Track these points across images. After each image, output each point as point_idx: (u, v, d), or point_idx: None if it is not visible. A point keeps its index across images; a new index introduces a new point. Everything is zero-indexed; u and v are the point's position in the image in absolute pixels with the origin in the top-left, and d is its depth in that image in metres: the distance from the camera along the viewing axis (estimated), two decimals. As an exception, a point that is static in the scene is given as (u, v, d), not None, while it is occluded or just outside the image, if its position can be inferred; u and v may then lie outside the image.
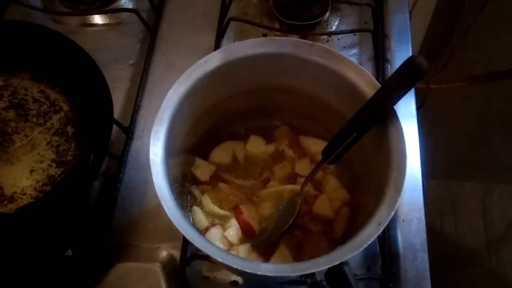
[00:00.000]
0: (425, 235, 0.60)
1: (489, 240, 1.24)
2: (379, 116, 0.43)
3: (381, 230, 0.39)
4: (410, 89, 0.39)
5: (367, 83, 0.45)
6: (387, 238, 0.59)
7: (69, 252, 0.58)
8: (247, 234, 0.54)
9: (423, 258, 0.59)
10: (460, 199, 1.38)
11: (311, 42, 0.46)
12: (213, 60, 0.46)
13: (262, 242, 0.53)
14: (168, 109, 0.44)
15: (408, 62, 0.38)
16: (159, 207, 0.62)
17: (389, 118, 0.43)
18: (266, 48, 0.47)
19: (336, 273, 0.38)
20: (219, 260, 0.37)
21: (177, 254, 0.58)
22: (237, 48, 0.47)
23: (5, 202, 0.54)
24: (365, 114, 0.43)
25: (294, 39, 0.46)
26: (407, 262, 0.59)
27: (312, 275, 0.41)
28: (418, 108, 0.70)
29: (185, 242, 0.57)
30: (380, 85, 0.44)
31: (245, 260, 0.40)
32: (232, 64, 0.47)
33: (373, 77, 0.45)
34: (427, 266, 0.58)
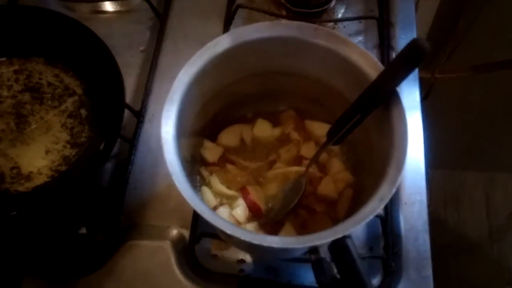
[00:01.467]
0: (426, 217, 0.62)
1: (492, 229, 1.25)
2: (382, 98, 0.44)
3: (382, 206, 0.40)
4: (412, 71, 0.40)
5: (371, 66, 0.47)
6: (389, 220, 0.61)
7: (83, 230, 0.60)
8: (254, 213, 0.56)
9: (425, 239, 0.61)
10: (463, 189, 1.39)
11: (316, 25, 0.48)
12: (222, 43, 0.48)
13: (268, 221, 0.55)
14: (178, 90, 0.46)
15: (411, 44, 0.39)
16: (169, 188, 0.65)
17: (392, 100, 0.44)
18: (272, 32, 0.48)
19: (339, 246, 0.40)
20: (228, 232, 0.39)
21: (186, 233, 0.61)
22: (245, 31, 0.48)
23: (22, 181, 0.57)
24: (369, 96, 0.44)
25: (299, 22, 0.48)
26: (409, 242, 0.60)
27: (316, 251, 0.43)
28: (424, 99, 0.71)
29: (195, 221, 0.59)
30: (383, 68, 0.45)
31: (252, 232, 0.42)
32: (240, 47, 0.48)
33: (377, 60, 0.46)
34: (428, 247, 0.60)
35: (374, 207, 0.41)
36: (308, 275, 0.59)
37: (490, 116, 1.21)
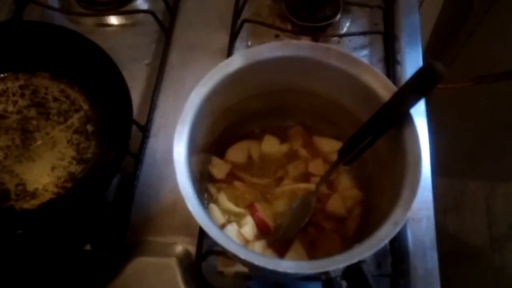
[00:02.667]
0: (434, 233, 0.62)
1: (492, 238, 1.25)
2: (395, 119, 0.44)
3: (397, 230, 0.40)
4: (427, 94, 0.40)
5: (383, 87, 0.46)
6: (397, 236, 0.60)
7: (88, 247, 0.59)
8: (262, 231, 0.56)
9: (432, 255, 0.60)
10: (464, 197, 1.39)
11: (328, 46, 0.48)
12: (233, 63, 0.48)
13: (277, 239, 0.55)
14: (190, 111, 0.45)
15: (426, 68, 0.39)
16: (174, 203, 0.64)
17: (405, 121, 0.44)
18: (284, 52, 0.48)
19: (354, 271, 0.39)
20: (242, 257, 0.38)
21: (192, 249, 0.60)
22: (257, 51, 0.48)
23: (28, 198, 0.56)
24: (382, 117, 0.44)
25: (311, 43, 0.48)
26: (416, 259, 0.60)
27: (327, 272, 0.43)
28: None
29: (201, 238, 0.59)
30: (396, 89, 0.45)
31: (265, 257, 0.41)
32: (252, 66, 0.48)
33: (389, 81, 0.46)
34: (436, 264, 0.60)
35: (389, 231, 0.40)
36: (317, 292, 0.58)
37: (492, 125, 1.21)
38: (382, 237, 0.40)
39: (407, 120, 0.44)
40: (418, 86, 0.40)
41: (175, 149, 0.43)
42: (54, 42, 0.62)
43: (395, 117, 0.44)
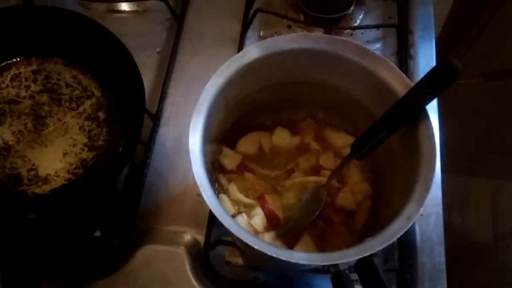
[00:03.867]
0: (442, 229, 0.62)
1: (496, 236, 1.25)
2: (410, 115, 0.44)
3: (410, 225, 0.40)
4: (443, 90, 0.40)
5: (399, 82, 0.46)
6: (405, 232, 0.61)
7: (98, 233, 0.60)
8: (272, 222, 0.56)
9: (440, 251, 0.61)
10: (469, 194, 1.39)
11: (344, 39, 0.48)
12: (250, 54, 0.47)
13: (287, 231, 0.55)
14: (206, 101, 0.45)
15: (443, 64, 0.39)
16: (184, 192, 0.64)
17: (420, 117, 0.44)
18: (300, 44, 0.48)
19: (366, 264, 0.40)
20: (255, 247, 0.39)
21: (201, 238, 0.61)
22: (273, 42, 0.48)
23: (40, 183, 0.56)
24: (397, 112, 0.44)
25: (328, 35, 0.48)
26: (424, 255, 0.60)
27: (336, 264, 0.43)
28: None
29: (210, 228, 0.59)
30: (412, 85, 0.45)
31: (278, 248, 0.42)
32: (268, 58, 0.48)
33: (405, 76, 0.46)
34: (443, 259, 0.60)
35: (402, 225, 0.41)
36: (323, 285, 0.59)
37: (499, 123, 1.21)
38: (394, 231, 0.40)
39: (422, 116, 0.44)
40: (435, 82, 0.40)
41: (191, 139, 0.43)
42: (67, 27, 0.61)
43: (410, 113, 0.44)
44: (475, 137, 1.29)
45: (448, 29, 1.25)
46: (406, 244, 0.60)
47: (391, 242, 0.40)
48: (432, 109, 0.68)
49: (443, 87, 0.40)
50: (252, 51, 0.47)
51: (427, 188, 0.41)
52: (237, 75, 0.47)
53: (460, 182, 1.38)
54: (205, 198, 0.40)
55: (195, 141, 0.43)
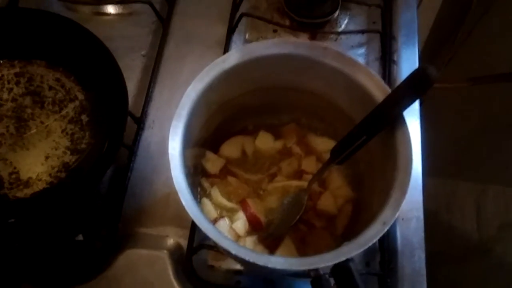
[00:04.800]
0: (423, 234, 0.63)
1: (481, 239, 1.26)
2: (388, 121, 0.45)
3: (386, 230, 0.41)
4: (419, 97, 0.41)
5: (377, 88, 0.47)
6: (386, 236, 0.61)
7: (80, 237, 0.60)
8: (254, 226, 0.56)
9: (420, 256, 0.61)
10: (454, 198, 1.40)
11: (325, 45, 0.48)
12: (230, 59, 0.48)
13: (268, 236, 0.55)
14: (186, 106, 0.46)
15: (419, 72, 0.39)
16: (168, 196, 0.64)
17: (397, 123, 0.45)
18: (281, 49, 0.49)
19: (342, 269, 0.40)
20: (233, 252, 0.39)
21: (184, 242, 0.61)
22: (254, 48, 0.48)
23: (21, 187, 0.56)
24: (375, 118, 0.45)
25: (309, 42, 0.48)
26: (404, 259, 0.61)
27: (316, 268, 0.43)
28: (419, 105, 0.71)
29: (193, 232, 0.59)
30: (390, 91, 0.46)
31: (256, 253, 0.42)
32: (248, 63, 0.48)
33: (383, 82, 0.47)
34: (423, 264, 0.61)
35: (378, 230, 0.41)
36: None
37: (485, 127, 1.22)
38: (370, 236, 0.41)
39: (400, 122, 0.45)
40: (411, 89, 0.40)
41: (170, 143, 0.44)
42: (51, 30, 0.61)
43: (387, 118, 0.44)
44: (460, 141, 1.30)
45: (434, 34, 1.26)
46: (387, 248, 0.61)
47: (367, 247, 0.40)
48: (414, 113, 0.69)
49: (419, 93, 0.41)
50: (233, 56, 0.48)
51: (403, 193, 0.42)
52: (218, 80, 0.48)
53: (446, 185, 1.39)
54: (183, 203, 0.40)
55: (175, 145, 0.44)
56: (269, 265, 0.39)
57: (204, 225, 0.40)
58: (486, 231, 1.26)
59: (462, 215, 1.34)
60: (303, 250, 0.55)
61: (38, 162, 0.58)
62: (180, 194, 0.41)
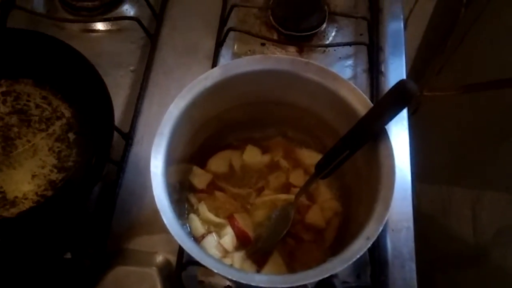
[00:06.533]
0: (413, 244, 0.62)
1: (478, 246, 1.25)
2: (370, 135, 0.45)
3: (369, 245, 0.41)
4: (400, 111, 0.41)
5: (359, 102, 0.47)
6: (376, 247, 0.61)
7: (68, 255, 0.59)
8: (242, 241, 0.56)
9: (411, 266, 0.61)
10: (450, 204, 1.39)
11: (306, 60, 0.48)
12: (212, 76, 0.48)
13: (257, 250, 0.55)
14: (168, 123, 0.46)
15: (398, 86, 0.39)
16: (156, 212, 0.63)
17: (380, 137, 0.45)
18: (263, 65, 0.49)
19: (326, 285, 0.40)
20: (215, 271, 0.39)
21: (173, 258, 0.60)
22: (236, 64, 0.49)
23: (7, 206, 0.56)
24: (357, 132, 0.45)
25: (291, 57, 0.48)
26: (395, 270, 0.61)
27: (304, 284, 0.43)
28: (412, 113, 0.72)
29: (182, 248, 0.59)
30: (372, 105, 0.46)
31: (240, 271, 0.42)
32: (231, 79, 0.49)
33: (365, 96, 0.47)
34: (414, 275, 0.60)
35: (362, 246, 0.41)
36: (295, 302, 0.59)
37: (479, 134, 1.22)
38: (354, 252, 0.41)
39: (382, 135, 0.45)
40: (392, 103, 0.41)
41: (152, 162, 0.44)
42: (37, 49, 0.61)
43: (370, 132, 0.45)
44: (455, 148, 1.30)
45: (425, 43, 1.27)
46: (378, 260, 0.61)
47: (350, 262, 0.40)
48: (402, 123, 0.69)
49: (399, 108, 0.41)
50: (215, 73, 0.48)
51: (386, 208, 0.42)
52: (201, 97, 0.48)
53: (442, 192, 1.39)
54: (165, 222, 0.40)
55: (157, 164, 0.44)
56: (253, 284, 0.38)
57: (187, 244, 0.40)
58: (482, 237, 1.25)
59: (458, 221, 1.33)
60: (291, 264, 0.55)
61: (25, 181, 0.57)
62: (162, 214, 0.41)
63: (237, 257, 0.54)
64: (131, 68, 0.75)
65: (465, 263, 1.25)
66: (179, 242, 0.40)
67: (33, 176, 0.58)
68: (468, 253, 1.24)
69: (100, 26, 0.78)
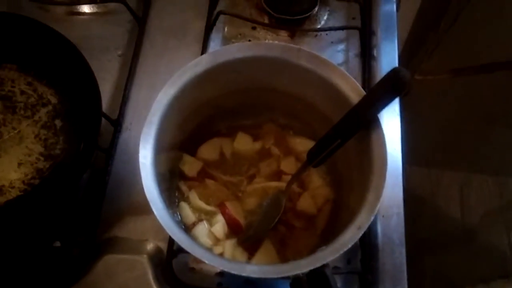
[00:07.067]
0: (403, 230, 0.63)
1: (465, 227, 1.28)
2: (363, 123, 0.44)
3: (361, 234, 0.41)
4: (393, 99, 0.40)
5: (352, 89, 0.46)
6: (367, 233, 0.61)
7: (57, 244, 0.59)
8: (234, 229, 0.56)
9: (401, 252, 0.61)
10: (439, 187, 1.41)
11: (298, 47, 0.47)
12: (202, 63, 0.47)
13: (248, 238, 0.55)
14: (158, 112, 0.45)
15: (391, 75, 0.39)
16: (146, 199, 0.63)
17: (373, 125, 0.44)
18: (254, 52, 0.48)
19: (318, 275, 0.40)
20: (206, 261, 0.39)
21: (164, 246, 0.60)
22: (226, 51, 0.47)
23: (-6, 195, 0.55)
24: (349, 121, 0.44)
25: (282, 43, 0.47)
26: (385, 255, 0.61)
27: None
28: (402, 96, 0.71)
29: (172, 236, 0.59)
30: (364, 93, 0.45)
31: (230, 262, 0.42)
32: (221, 66, 0.48)
33: (358, 84, 0.46)
34: (404, 260, 0.61)
35: (353, 235, 0.41)
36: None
37: (468, 117, 1.23)
38: (345, 241, 0.40)
39: (375, 124, 0.44)
40: (384, 92, 0.40)
41: (141, 152, 0.43)
42: (21, 33, 0.59)
43: (362, 121, 0.44)
44: (444, 131, 1.31)
45: (418, 25, 1.26)
46: (368, 246, 0.61)
47: (342, 252, 0.40)
48: (393, 108, 0.68)
49: (392, 96, 0.40)
50: (205, 60, 0.47)
51: (377, 197, 0.42)
52: (191, 84, 0.47)
53: (431, 175, 1.40)
54: (155, 213, 0.40)
55: (146, 154, 0.43)
56: (244, 274, 0.38)
57: (177, 235, 0.39)
58: (470, 219, 1.27)
59: (447, 203, 1.35)
60: (283, 251, 0.55)
61: (11, 169, 0.56)
62: (152, 205, 0.40)
63: (228, 245, 0.54)
64: (119, 52, 0.74)
65: (452, 244, 1.27)
66: (170, 233, 0.39)
67: (20, 164, 0.57)
68: (456, 235, 1.26)
69: (86, 8, 0.76)
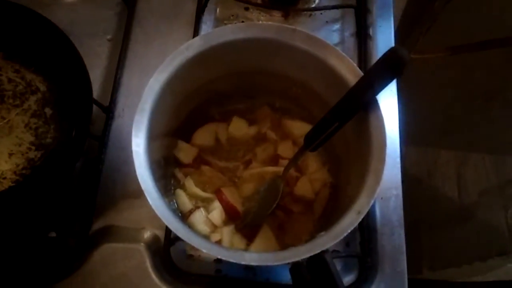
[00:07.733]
0: (402, 212, 0.62)
1: (462, 206, 1.28)
2: (361, 105, 0.43)
3: (360, 219, 0.40)
4: (391, 81, 0.39)
5: (349, 71, 0.45)
6: (366, 216, 0.60)
7: (53, 234, 0.58)
8: (231, 215, 0.55)
9: (400, 233, 0.61)
10: (436, 166, 1.41)
11: (293, 27, 0.46)
12: (194, 47, 0.45)
13: (246, 225, 0.54)
14: (149, 98, 0.43)
15: (389, 54, 0.37)
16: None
17: (371, 107, 0.43)
18: (248, 34, 0.46)
19: (317, 261, 0.39)
20: (204, 250, 0.38)
21: (161, 233, 0.59)
22: (219, 33, 0.46)
23: (-15, 187, 0.54)
24: (347, 103, 0.43)
25: (277, 24, 0.46)
26: (384, 237, 0.61)
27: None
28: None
29: (169, 223, 0.58)
30: (361, 73, 0.44)
31: (229, 250, 0.41)
32: (214, 49, 0.46)
33: (355, 65, 0.45)
34: (403, 241, 0.61)
35: (352, 220, 0.40)
36: (285, 273, 0.59)
37: (465, 96, 1.22)
38: (345, 226, 0.40)
39: (373, 106, 0.43)
40: (383, 72, 0.39)
41: (134, 140, 0.42)
42: (6, 19, 0.57)
43: (360, 103, 0.43)
44: (441, 111, 1.30)
45: (413, 2, 1.24)
46: (367, 228, 0.61)
47: (342, 237, 0.39)
48: (391, 88, 0.67)
49: (390, 78, 0.39)
50: (196, 43, 0.45)
51: (377, 181, 0.41)
52: (182, 68, 0.45)
53: (428, 154, 1.40)
54: (150, 202, 0.39)
55: (139, 142, 0.42)
56: (243, 262, 0.38)
57: (173, 225, 0.39)
58: (466, 197, 1.28)
59: (444, 182, 1.35)
60: (281, 236, 0.55)
61: (2, 160, 0.55)
62: (146, 194, 0.39)
63: (226, 232, 0.54)
64: (108, 37, 0.71)
65: (449, 222, 1.27)
66: (166, 223, 0.38)
67: (10, 155, 0.55)
68: (453, 213, 1.27)
69: (72, -8, 0.73)
